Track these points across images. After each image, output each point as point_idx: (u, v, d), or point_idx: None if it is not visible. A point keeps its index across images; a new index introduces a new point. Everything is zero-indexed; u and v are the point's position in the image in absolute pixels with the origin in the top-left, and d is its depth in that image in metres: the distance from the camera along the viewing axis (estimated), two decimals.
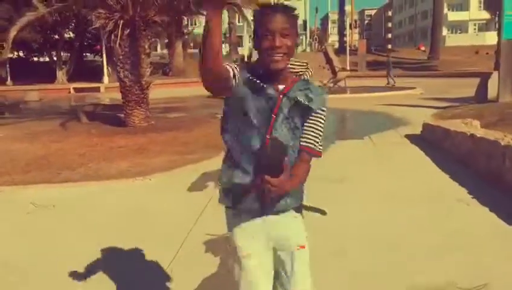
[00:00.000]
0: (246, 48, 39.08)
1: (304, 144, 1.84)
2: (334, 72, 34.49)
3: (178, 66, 35.62)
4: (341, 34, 46.52)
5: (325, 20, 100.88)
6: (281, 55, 1.71)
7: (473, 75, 29.88)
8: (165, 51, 52.55)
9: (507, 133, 6.68)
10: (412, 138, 8.63)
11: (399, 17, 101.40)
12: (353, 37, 57.73)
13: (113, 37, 10.15)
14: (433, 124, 8.24)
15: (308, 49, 65.57)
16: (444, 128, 7.64)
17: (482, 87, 11.45)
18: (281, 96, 1.77)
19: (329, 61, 39.99)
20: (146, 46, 10.80)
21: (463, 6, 75.72)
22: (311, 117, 1.84)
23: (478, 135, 6.30)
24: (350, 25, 45.11)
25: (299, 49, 69.48)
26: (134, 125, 10.76)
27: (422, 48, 46.36)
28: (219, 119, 1.93)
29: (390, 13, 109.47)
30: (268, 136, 1.75)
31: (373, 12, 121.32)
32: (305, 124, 1.84)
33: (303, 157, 1.84)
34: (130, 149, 8.59)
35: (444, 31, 61.56)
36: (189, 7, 11.59)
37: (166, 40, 40.01)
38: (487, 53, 43.52)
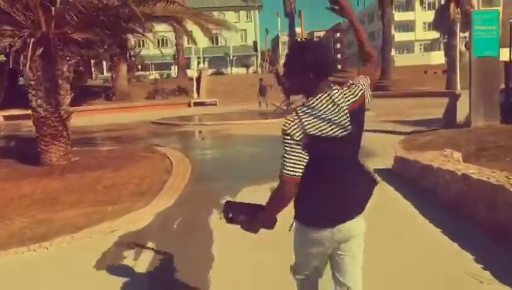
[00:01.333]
0: (194, 70, 37.44)
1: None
2: (286, 94, 33.54)
3: (122, 90, 33.57)
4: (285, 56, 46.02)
5: (275, 41, 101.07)
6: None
7: (426, 95, 29.72)
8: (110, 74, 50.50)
9: (497, 169, 5.42)
10: (383, 174, 7.26)
11: (348, 38, 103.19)
12: None
13: (22, 58, 8.33)
14: (407, 157, 6.91)
15: (259, 70, 64.79)
16: (423, 164, 6.30)
17: (451, 110, 10.40)
18: None
19: (281, 82, 39.10)
20: (65, 69, 9.04)
21: (409, 27, 77.65)
22: None
23: (474, 177, 4.96)
24: None
25: (251, 70, 68.79)
26: (51, 163, 8.90)
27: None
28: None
29: (338, 34, 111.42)
30: None
31: (322, 34, 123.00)
32: None
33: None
34: (35, 199, 6.76)
35: (392, 52, 62.74)
36: (121, 24, 9.90)
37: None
38: (435, 72, 44.02)
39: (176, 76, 46.30)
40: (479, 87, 10.03)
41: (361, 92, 2.17)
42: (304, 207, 2.18)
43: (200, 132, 16.97)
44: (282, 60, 62.28)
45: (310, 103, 2.06)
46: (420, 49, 78.77)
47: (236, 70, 70.22)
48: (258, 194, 6.73)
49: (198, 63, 70.10)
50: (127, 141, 14.27)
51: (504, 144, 7.64)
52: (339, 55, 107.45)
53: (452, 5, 28.73)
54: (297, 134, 2.01)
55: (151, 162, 9.35)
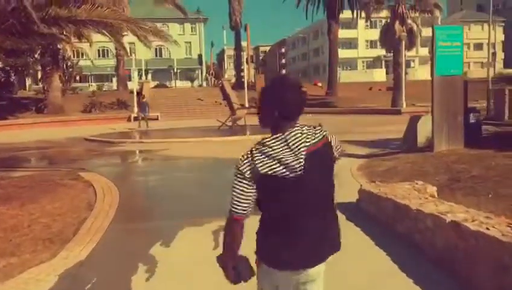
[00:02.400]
0: (135, 82, 35.55)
1: None
2: (232, 109, 32.36)
3: (55, 103, 31.15)
4: (238, 69, 44.99)
5: (221, 55, 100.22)
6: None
7: (372, 112, 29.55)
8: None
9: (480, 207, 4.46)
10: (345, 210, 6.16)
11: (292, 53, 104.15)
12: (250, 72, 56.81)
13: None
14: (375, 192, 5.85)
15: (204, 84, 63.45)
16: (397, 202, 5.25)
17: (411, 132, 9.58)
18: None
19: (227, 97, 37.98)
20: None
21: (352, 44, 79.21)
22: None
23: (470, 228, 3.91)
24: (246, 60, 43.66)
25: (195, 83, 67.28)
26: None
27: (319, 84, 46.26)
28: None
29: (283, 50, 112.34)
30: None
31: (267, 48, 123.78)
32: None
33: None
34: None
35: None
36: (34, 29, 8.36)
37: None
38: (379, 89, 44.50)
39: (116, 88, 44.02)
40: (442, 108, 9.26)
41: (323, 135, 2.14)
42: (264, 245, 2.16)
43: (138, 152, 15.40)
44: (227, 74, 61.36)
45: (265, 141, 2.06)
46: (363, 66, 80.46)
47: (180, 83, 68.48)
48: (198, 238, 5.52)
49: (141, 75, 68.02)
50: (49, 163, 12.55)
51: (477, 173, 6.78)
52: (283, 71, 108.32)
53: (397, 22, 28.83)
54: (248, 172, 2.04)
55: (70, 193, 7.80)
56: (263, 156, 2.00)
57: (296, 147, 2.02)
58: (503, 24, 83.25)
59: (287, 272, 2.10)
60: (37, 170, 10.50)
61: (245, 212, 2.05)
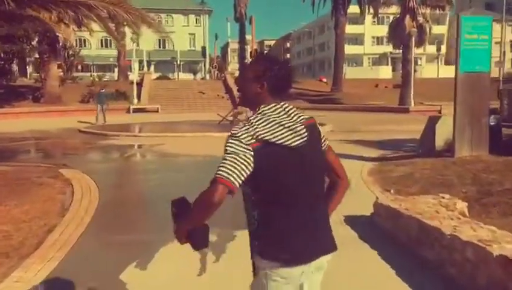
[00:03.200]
0: (135, 73, 34.57)
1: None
2: (234, 103, 31.41)
3: (52, 92, 30.22)
4: (241, 62, 44.03)
5: (225, 48, 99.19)
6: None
7: (379, 110, 28.55)
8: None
9: None
10: (358, 225, 5.26)
11: (297, 48, 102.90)
12: None
13: None
14: (395, 207, 4.91)
15: (207, 77, 62.47)
16: (424, 223, 4.32)
17: (429, 134, 8.62)
18: None
19: (229, 90, 37.00)
20: None
21: (358, 40, 77.99)
22: None
23: None
24: (251, 53, 42.67)
25: (198, 76, 66.30)
26: None
27: (324, 80, 45.24)
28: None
29: (289, 44, 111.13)
30: None
31: (272, 42, 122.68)
32: None
33: None
34: None
35: None
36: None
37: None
38: (386, 87, 43.45)
39: (117, 79, 43.09)
40: (465, 109, 8.32)
41: (311, 117, 1.97)
42: (268, 240, 1.86)
43: (134, 146, 14.48)
44: (230, 68, 60.36)
45: (262, 110, 1.87)
46: (369, 62, 79.31)
47: (183, 75, 67.51)
48: (184, 257, 4.57)
49: (143, 66, 67.11)
50: (31, 157, 11.65)
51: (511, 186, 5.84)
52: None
53: (407, 17, 27.78)
54: (247, 137, 1.80)
55: (45, 194, 6.89)
56: (264, 122, 1.82)
57: (295, 115, 1.89)
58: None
59: (303, 266, 1.85)
60: (14, 165, 9.58)
61: (234, 180, 1.74)
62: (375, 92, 40.57)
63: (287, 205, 1.84)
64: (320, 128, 1.99)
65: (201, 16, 73.76)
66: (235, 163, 1.75)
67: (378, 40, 79.85)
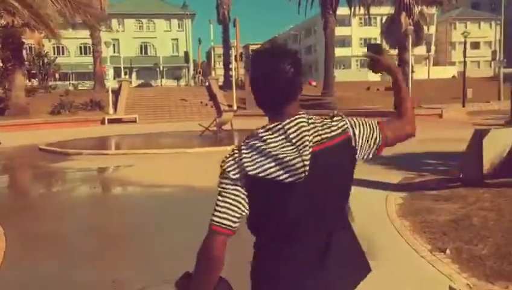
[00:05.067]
0: (110, 80, 32.04)
1: None
2: (219, 110, 29.13)
3: (18, 103, 27.55)
4: (226, 67, 41.69)
5: (210, 53, 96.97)
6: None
7: (376, 115, 26.35)
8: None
9: None
10: None
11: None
12: (239, 71, 53.55)
13: None
14: None
15: (192, 83, 60.10)
16: None
17: (474, 153, 6.40)
18: None
19: (213, 97, 34.69)
20: None
21: (345, 42, 76.31)
22: None
23: None
24: (235, 57, 40.40)
25: (182, 82, 63.88)
26: None
27: (313, 83, 43.11)
28: None
29: None
30: None
31: (257, 46, 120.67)
32: None
33: None
34: None
35: None
36: None
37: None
38: (378, 89, 41.51)
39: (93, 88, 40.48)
40: None
41: (343, 128, 1.62)
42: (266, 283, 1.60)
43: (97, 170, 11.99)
44: (216, 73, 58.01)
45: (258, 132, 1.54)
46: (357, 65, 77.66)
47: (166, 82, 65.10)
48: None
49: (126, 73, 64.48)
50: None
51: None
52: None
53: (403, 14, 25.75)
54: (234, 172, 1.51)
55: None
56: (253, 152, 1.49)
57: (300, 140, 1.50)
58: (499, 22, 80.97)
59: None
60: None
61: (231, 224, 1.50)
62: (367, 95, 38.58)
63: (286, 246, 1.55)
64: (361, 127, 1.68)
65: (184, 20, 71.41)
66: (227, 203, 1.50)
67: (366, 42, 78.33)
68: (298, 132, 1.50)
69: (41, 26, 25.51)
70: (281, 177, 1.46)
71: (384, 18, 57.19)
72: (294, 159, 1.46)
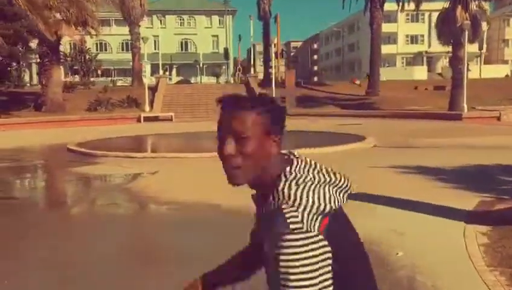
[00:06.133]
0: (147, 77, 31.35)
1: None
2: None
3: (54, 99, 27.22)
4: (266, 64, 40.42)
5: (250, 50, 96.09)
6: (236, 168, 1.18)
7: (425, 117, 24.50)
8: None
9: None
10: None
11: (325, 49, 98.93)
12: (279, 68, 52.20)
13: None
14: None
15: (231, 80, 59.15)
16: None
17: None
18: None
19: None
20: None
21: (390, 39, 73.42)
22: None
23: None
24: (276, 54, 39.01)
25: (221, 80, 63.06)
26: None
27: (357, 82, 41.17)
28: None
29: (316, 45, 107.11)
30: None
31: (299, 44, 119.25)
32: None
33: None
34: None
35: None
36: None
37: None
38: (426, 89, 39.19)
39: (131, 84, 40.10)
40: None
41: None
42: None
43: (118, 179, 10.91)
44: (256, 71, 56.83)
45: (293, 172, 1.19)
46: (402, 63, 74.72)
47: (206, 79, 64.45)
48: None
49: (166, 70, 64.29)
50: None
51: None
52: (315, 67, 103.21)
53: (459, 8, 23.66)
54: (317, 218, 1.14)
55: None
56: (316, 184, 1.18)
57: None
58: None
59: None
60: None
61: None
62: (415, 95, 36.34)
63: None
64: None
65: (225, 16, 70.55)
66: (318, 273, 1.10)
67: (412, 39, 75.27)
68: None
69: (79, 21, 25.03)
70: (339, 201, 1.24)
71: (433, 14, 54.38)
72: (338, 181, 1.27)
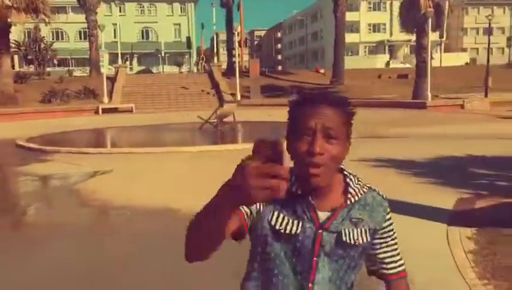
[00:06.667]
0: (105, 67, 29.87)
1: (395, 271, 1.36)
2: (221, 99, 27.16)
3: (5, 91, 25.63)
4: (229, 53, 39.60)
5: (213, 39, 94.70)
6: (321, 165, 1.16)
7: (392, 105, 24.31)
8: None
9: None
10: None
11: (289, 38, 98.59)
12: (243, 57, 51.38)
13: None
14: None
15: (195, 70, 57.96)
16: None
17: None
18: (320, 231, 1.25)
19: (216, 85, 32.67)
20: None
21: (353, 28, 73.65)
22: (382, 236, 1.32)
23: None
24: (239, 43, 38.24)
25: (184, 69, 61.74)
26: None
27: (322, 71, 40.87)
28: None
29: (280, 34, 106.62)
30: (310, 285, 1.25)
31: (262, 33, 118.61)
32: (376, 247, 1.33)
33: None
34: None
35: None
36: None
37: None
38: (389, 77, 39.36)
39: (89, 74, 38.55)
40: None
41: None
42: None
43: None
44: (219, 59, 55.77)
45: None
46: (365, 51, 75.18)
47: (169, 68, 62.95)
48: None
49: (127, 59, 62.40)
50: None
51: None
52: (279, 56, 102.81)
53: None
54: None
55: None
56: None
57: None
58: None
59: None
60: None
61: None
62: (379, 83, 36.41)
63: None
64: None
65: (187, 4, 68.98)
66: None
67: (375, 28, 75.75)
68: None
69: (30, 7, 23.56)
70: None
71: (395, 3, 54.59)
72: None
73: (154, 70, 59.16)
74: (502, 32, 77.35)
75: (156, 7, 69.98)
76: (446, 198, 5.96)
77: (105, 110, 26.18)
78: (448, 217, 5.23)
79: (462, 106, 23.04)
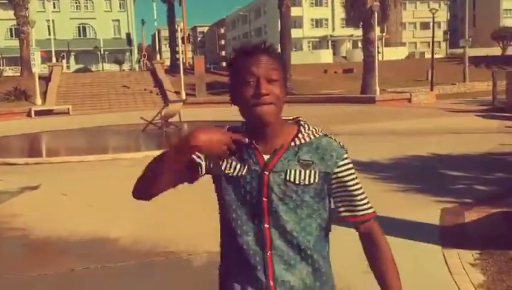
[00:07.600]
0: (37, 65, 27.47)
1: (363, 213, 1.40)
2: (166, 99, 25.87)
3: None
4: (172, 50, 38.12)
5: (154, 35, 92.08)
6: (269, 103, 1.30)
7: (340, 101, 23.86)
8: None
9: None
10: None
11: (232, 34, 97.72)
12: (187, 54, 49.85)
13: None
14: None
15: (136, 68, 55.77)
16: None
17: None
18: (266, 173, 1.33)
19: (159, 83, 31.21)
20: None
21: (296, 23, 73.74)
22: (338, 180, 1.36)
23: None
24: (182, 39, 36.84)
25: (125, 66, 59.36)
26: None
27: None
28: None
29: (223, 30, 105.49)
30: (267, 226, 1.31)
31: (205, 29, 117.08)
32: (335, 191, 1.38)
33: (375, 231, 1.44)
34: None
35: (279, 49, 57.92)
36: None
37: None
38: (335, 72, 39.38)
39: (20, 74, 35.90)
40: None
41: None
42: None
43: None
44: (163, 56, 53.93)
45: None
46: (308, 47, 75.58)
47: (109, 67, 60.31)
48: None
49: (63, 57, 59.04)
50: None
51: None
52: (223, 52, 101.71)
53: None
54: None
55: None
56: None
57: None
58: (448, 2, 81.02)
59: None
60: None
61: None
62: (325, 78, 36.25)
63: None
64: None
65: None
66: None
67: (317, 23, 76.30)
68: None
69: None
70: None
71: None
72: None
73: (93, 68, 56.45)
74: (438, 26, 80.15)
75: (93, 2, 66.89)
76: (429, 209, 5.24)
77: (38, 113, 24.17)
78: (439, 235, 4.48)
79: (409, 100, 23.00)
